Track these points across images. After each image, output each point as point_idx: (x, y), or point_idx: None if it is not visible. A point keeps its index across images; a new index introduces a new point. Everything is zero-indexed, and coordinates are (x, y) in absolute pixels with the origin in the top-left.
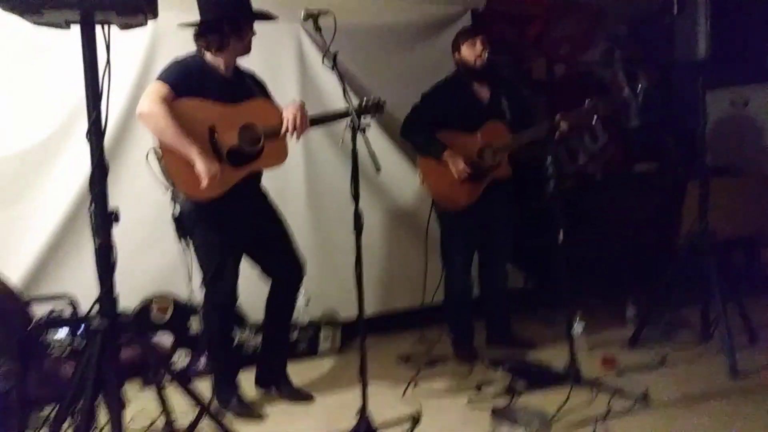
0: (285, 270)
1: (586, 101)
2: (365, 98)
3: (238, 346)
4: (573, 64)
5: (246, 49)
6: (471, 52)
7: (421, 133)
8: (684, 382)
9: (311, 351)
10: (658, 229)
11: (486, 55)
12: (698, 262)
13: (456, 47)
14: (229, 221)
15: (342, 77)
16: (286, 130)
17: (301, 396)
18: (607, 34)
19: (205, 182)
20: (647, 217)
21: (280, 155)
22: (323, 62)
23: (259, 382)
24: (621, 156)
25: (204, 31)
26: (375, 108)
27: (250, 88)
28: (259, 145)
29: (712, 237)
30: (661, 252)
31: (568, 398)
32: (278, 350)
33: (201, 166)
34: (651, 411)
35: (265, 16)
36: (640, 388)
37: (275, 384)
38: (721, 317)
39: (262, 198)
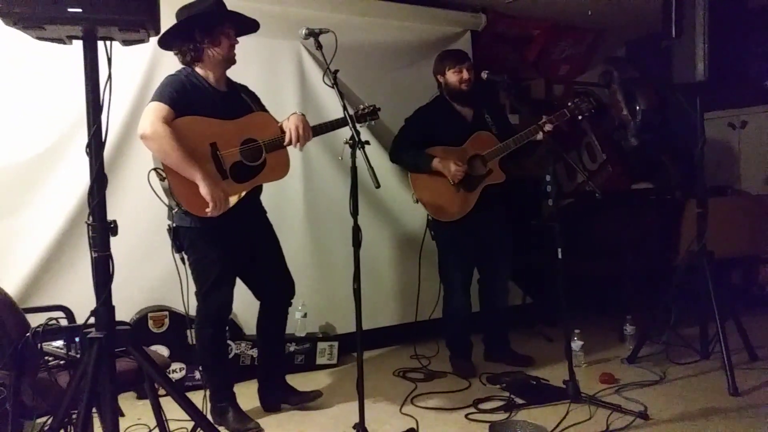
0: (276, 291)
1: (569, 103)
2: (360, 106)
3: (234, 358)
4: (571, 85)
5: (227, 59)
6: (457, 78)
7: (408, 151)
8: (683, 400)
9: (308, 364)
10: (657, 248)
11: (472, 79)
12: (696, 280)
13: (440, 71)
14: (228, 237)
15: (342, 95)
16: (290, 142)
17: (310, 397)
18: (605, 56)
19: (210, 207)
20: (646, 236)
21: (283, 168)
22: (323, 80)
23: (266, 406)
24: (620, 175)
25: (178, 40)
26: (371, 114)
27: (246, 102)
28: (261, 159)
29: (710, 255)
30: (659, 270)
31: (566, 415)
32: (277, 368)
33: (205, 190)
34: (650, 428)
35: (239, 19)
36: (639, 405)
37: (282, 401)
38: (720, 335)
39: (262, 214)
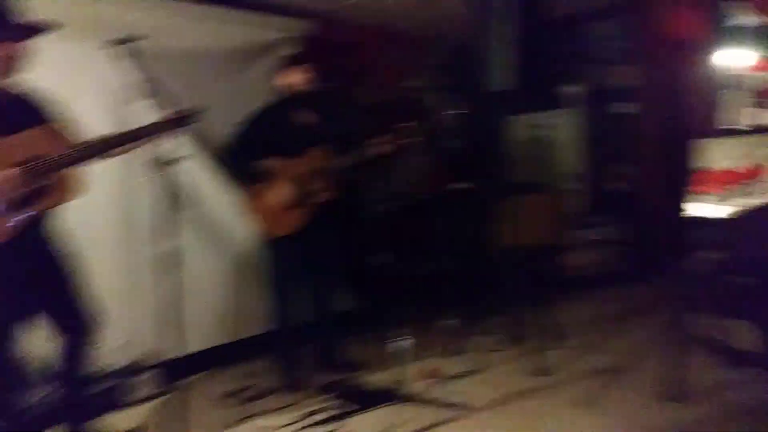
0: (73, 327)
1: (399, 126)
2: (171, 110)
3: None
4: (396, 90)
5: None
6: (295, 79)
7: (241, 160)
8: (500, 385)
9: (129, 398)
10: (473, 244)
11: (310, 82)
12: (509, 272)
13: (281, 72)
14: (10, 274)
15: (154, 104)
16: None
17: None
18: (428, 63)
19: None
20: (464, 233)
21: (75, 187)
22: (133, 90)
23: None
24: (438, 177)
25: None
26: (182, 120)
27: (25, 115)
28: (45, 181)
29: (519, 248)
30: (476, 265)
31: (394, 416)
32: (84, 415)
33: None
34: (471, 416)
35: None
36: (463, 396)
37: None
38: (530, 320)
39: (50, 243)
